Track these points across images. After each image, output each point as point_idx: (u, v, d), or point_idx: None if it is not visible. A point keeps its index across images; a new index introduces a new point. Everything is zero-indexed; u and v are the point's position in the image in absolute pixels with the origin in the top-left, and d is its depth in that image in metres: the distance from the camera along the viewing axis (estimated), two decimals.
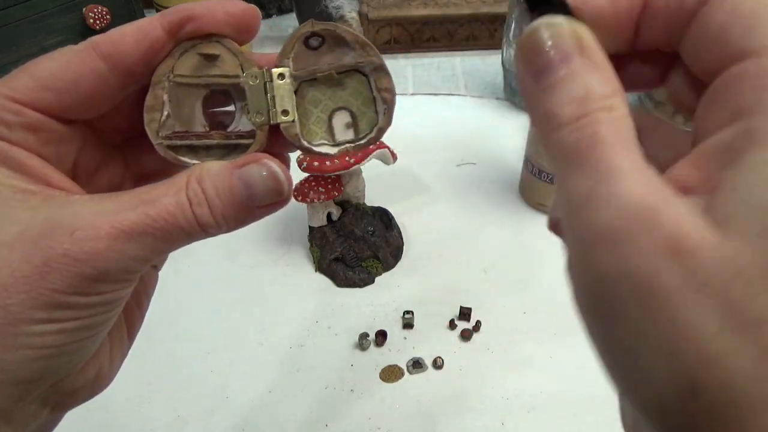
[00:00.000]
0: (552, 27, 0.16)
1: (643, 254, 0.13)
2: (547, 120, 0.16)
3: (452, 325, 0.51)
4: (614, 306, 0.14)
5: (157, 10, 0.75)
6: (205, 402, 0.46)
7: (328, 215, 0.57)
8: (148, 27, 0.21)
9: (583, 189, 0.15)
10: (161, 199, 0.20)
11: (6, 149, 0.20)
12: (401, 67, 0.84)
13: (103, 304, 0.20)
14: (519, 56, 0.17)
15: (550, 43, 0.16)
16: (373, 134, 0.23)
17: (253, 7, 0.22)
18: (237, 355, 0.50)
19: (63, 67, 0.21)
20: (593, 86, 0.16)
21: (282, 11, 0.97)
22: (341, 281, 0.55)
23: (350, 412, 0.46)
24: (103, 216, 0.19)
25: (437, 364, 0.48)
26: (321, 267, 0.56)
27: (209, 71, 0.22)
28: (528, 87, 0.17)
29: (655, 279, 0.13)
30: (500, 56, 0.76)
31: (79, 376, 0.22)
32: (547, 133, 0.16)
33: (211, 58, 0.22)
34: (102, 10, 0.68)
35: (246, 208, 0.21)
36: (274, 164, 0.21)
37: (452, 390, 0.47)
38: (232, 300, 0.54)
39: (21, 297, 0.18)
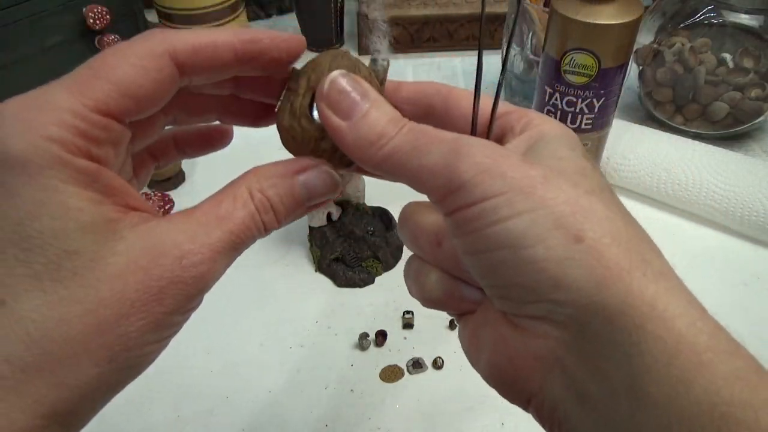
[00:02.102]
0: (345, 76, 0.22)
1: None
2: (375, 140, 0.21)
3: (452, 325, 0.51)
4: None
5: (158, 11, 0.75)
6: (205, 402, 0.46)
7: (328, 215, 0.57)
8: (221, 45, 0.22)
9: (443, 151, 0.20)
10: (235, 213, 0.21)
11: (95, 172, 0.19)
12: (401, 67, 0.84)
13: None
14: (324, 106, 0.21)
15: (349, 87, 0.21)
16: None
17: (301, 37, 0.24)
18: (237, 355, 0.50)
19: (143, 74, 0.20)
20: (390, 110, 0.21)
21: (282, 11, 0.97)
22: (341, 281, 0.55)
23: (350, 412, 0.46)
24: (198, 240, 0.20)
25: (437, 364, 0.48)
26: (321, 267, 0.56)
27: None
28: (340, 127, 0.21)
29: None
30: (500, 56, 0.76)
31: None
32: (377, 149, 0.21)
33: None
34: (102, 10, 0.68)
35: (304, 206, 0.23)
36: (329, 167, 0.23)
37: (452, 390, 0.47)
38: (232, 300, 0.54)
39: (140, 324, 0.19)
